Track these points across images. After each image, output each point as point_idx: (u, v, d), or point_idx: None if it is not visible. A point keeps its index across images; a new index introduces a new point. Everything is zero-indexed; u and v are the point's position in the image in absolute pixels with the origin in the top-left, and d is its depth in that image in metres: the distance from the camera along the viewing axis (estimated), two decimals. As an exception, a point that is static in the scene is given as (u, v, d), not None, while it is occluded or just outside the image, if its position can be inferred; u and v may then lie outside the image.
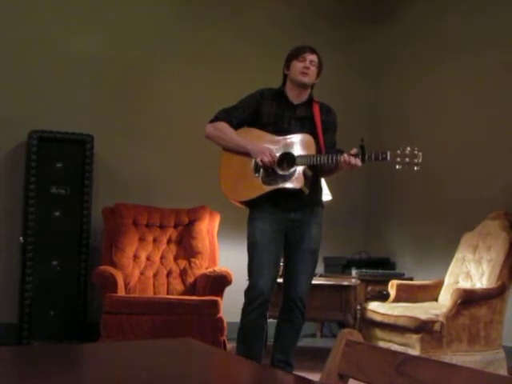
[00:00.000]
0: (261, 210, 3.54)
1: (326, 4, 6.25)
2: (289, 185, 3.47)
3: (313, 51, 3.64)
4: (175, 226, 5.09)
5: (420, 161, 3.40)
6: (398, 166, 3.41)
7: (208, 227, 5.08)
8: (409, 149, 3.40)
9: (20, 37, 5.13)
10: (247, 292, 3.54)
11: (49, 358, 1.50)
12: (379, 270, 5.58)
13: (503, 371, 4.10)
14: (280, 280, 3.71)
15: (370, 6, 6.32)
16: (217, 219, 5.12)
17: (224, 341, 4.38)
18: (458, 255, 4.60)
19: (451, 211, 5.34)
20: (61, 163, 4.93)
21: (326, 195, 5.05)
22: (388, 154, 3.37)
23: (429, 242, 5.58)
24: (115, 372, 1.37)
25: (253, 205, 3.58)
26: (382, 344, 4.19)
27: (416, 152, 3.40)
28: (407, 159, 3.40)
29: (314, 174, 3.57)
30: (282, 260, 3.69)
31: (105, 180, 5.20)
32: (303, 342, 5.46)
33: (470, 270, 4.46)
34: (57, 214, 4.89)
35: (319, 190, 3.70)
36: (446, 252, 4.85)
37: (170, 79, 5.54)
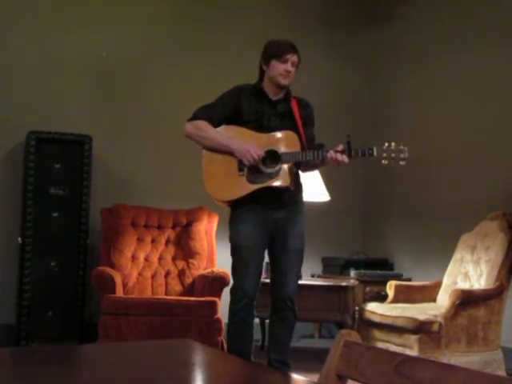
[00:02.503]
0: (244, 210, 3.52)
1: (326, 5, 6.25)
2: (275, 183, 3.45)
3: (294, 51, 3.55)
4: (173, 227, 5.09)
5: (406, 156, 3.42)
6: (384, 162, 3.42)
7: (206, 228, 5.08)
8: (394, 144, 3.41)
9: (18, 37, 5.13)
10: (232, 291, 3.58)
11: (47, 359, 1.50)
12: (377, 270, 5.58)
13: (501, 372, 4.10)
14: (267, 280, 3.73)
15: (368, 6, 6.32)
16: (215, 220, 5.12)
17: (222, 341, 4.38)
18: (457, 256, 4.60)
19: (449, 212, 5.34)
20: (59, 164, 4.92)
21: (324, 196, 5.05)
22: (374, 149, 3.38)
23: (427, 242, 5.58)
24: (114, 373, 1.37)
25: (235, 205, 3.56)
26: (380, 345, 4.19)
27: (402, 147, 3.42)
28: (393, 155, 3.41)
29: (296, 173, 3.57)
30: (266, 258, 3.69)
31: (103, 181, 5.20)
32: (301, 343, 5.46)
33: (468, 271, 4.46)
34: (55, 214, 4.88)
35: (300, 187, 3.67)
36: (444, 253, 4.85)
37: (168, 80, 5.54)
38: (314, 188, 4.94)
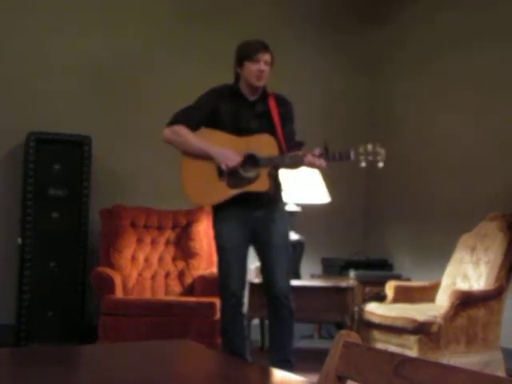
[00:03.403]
0: (225, 211, 3.56)
1: (326, 5, 6.25)
2: (255, 187, 3.48)
3: (266, 49, 3.55)
4: (173, 228, 5.09)
5: (383, 158, 3.44)
6: (362, 164, 3.44)
7: (206, 228, 5.07)
8: (370, 146, 3.44)
9: (18, 38, 5.13)
10: (220, 291, 3.65)
11: (47, 359, 1.50)
12: (377, 271, 5.58)
13: (501, 372, 4.10)
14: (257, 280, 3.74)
15: (368, 6, 6.33)
16: (215, 221, 5.12)
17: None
18: (456, 256, 4.60)
19: (449, 212, 5.34)
20: (59, 165, 4.92)
21: (324, 197, 5.05)
22: (351, 153, 3.40)
23: (426, 243, 5.58)
24: (113, 373, 1.37)
25: (217, 207, 3.60)
26: (379, 345, 4.19)
27: (378, 150, 3.44)
28: (370, 157, 3.43)
29: (276, 174, 3.60)
30: (253, 257, 3.73)
31: (103, 181, 5.19)
32: (301, 344, 5.46)
33: (467, 272, 4.46)
34: (55, 215, 4.88)
35: (280, 186, 3.69)
36: (443, 253, 4.85)
37: (168, 80, 5.54)
38: (314, 189, 4.94)
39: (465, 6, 5.43)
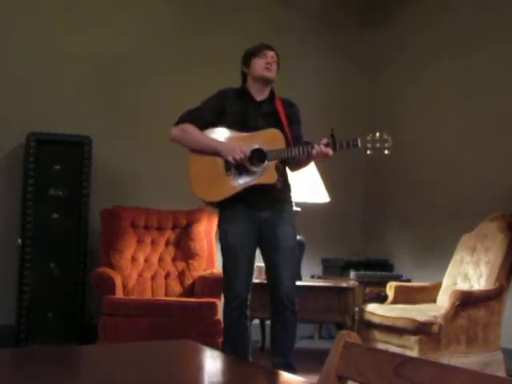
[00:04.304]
0: (231, 210, 3.55)
1: (325, 5, 6.25)
2: (262, 180, 3.47)
3: (271, 48, 3.65)
4: (173, 228, 5.09)
5: (390, 145, 3.45)
6: (368, 152, 3.46)
7: (206, 229, 5.07)
8: (378, 134, 3.46)
9: (18, 38, 5.13)
10: (225, 292, 3.62)
11: (47, 360, 1.50)
12: (377, 271, 5.58)
13: (501, 373, 4.10)
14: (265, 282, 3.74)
15: (368, 7, 6.33)
16: (215, 221, 5.11)
17: (222, 342, 4.38)
18: (456, 257, 4.60)
19: (449, 213, 5.34)
20: (59, 165, 4.92)
21: (324, 197, 5.05)
22: (359, 140, 3.42)
23: (427, 243, 5.58)
24: (114, 374, 1.37)
25: (223, 206, 3.58)
26: (380, 346, 4.19)
27: (386, 137, 3.46)
28: (378, 144, 3.45)
29: (283, 171, 3.60)
30: (258, 258, 3.71)
31: (103, 182, 5.19)
32: (301, 344, 5.46)
33: (468, 272, 4.46)
34: (55, 216, 4.88)
35: (288, 187, 3.69)
36: (444, 254, 4.85)
37: (169, 80, 5.54)
38: (314, 189, 4.94)
39: (464, 6, 5.43)
